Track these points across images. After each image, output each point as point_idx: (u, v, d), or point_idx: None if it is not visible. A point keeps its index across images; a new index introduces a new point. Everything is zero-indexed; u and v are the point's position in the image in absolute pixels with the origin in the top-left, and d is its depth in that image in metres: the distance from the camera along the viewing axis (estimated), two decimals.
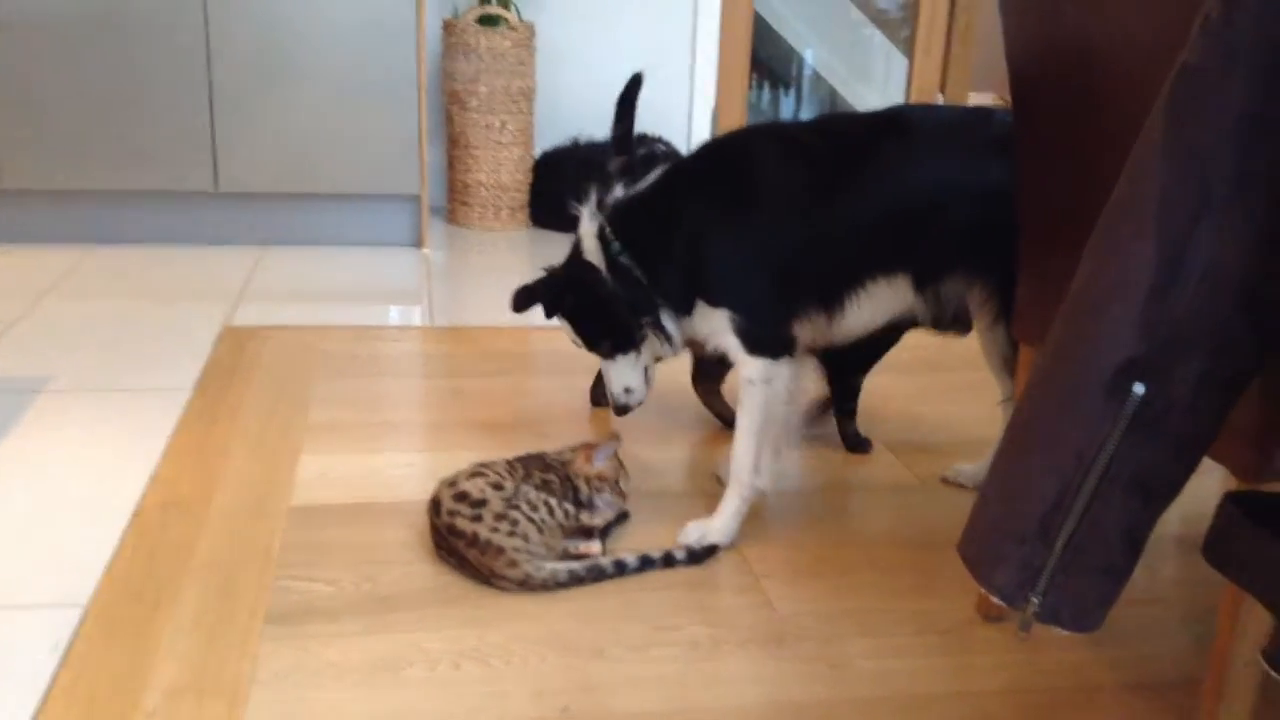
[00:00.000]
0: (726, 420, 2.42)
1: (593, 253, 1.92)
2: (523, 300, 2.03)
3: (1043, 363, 0.98)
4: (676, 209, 1.87)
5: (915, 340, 2.80)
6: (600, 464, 1.91)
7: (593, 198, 1.96)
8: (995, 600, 0.99)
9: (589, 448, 1.94)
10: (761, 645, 1.63)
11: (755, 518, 1.94)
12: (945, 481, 2.20)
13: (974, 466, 2.19)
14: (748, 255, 1.83)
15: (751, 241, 1.83)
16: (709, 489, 2.12)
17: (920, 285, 1.92)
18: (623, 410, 2.03)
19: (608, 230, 1.90)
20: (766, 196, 1.84)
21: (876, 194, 1.84)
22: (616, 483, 1.93)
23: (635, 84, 2.50)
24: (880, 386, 2.69)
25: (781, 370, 1.86)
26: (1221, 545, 0.94)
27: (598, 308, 1.94)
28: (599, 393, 2.50)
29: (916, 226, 1.86)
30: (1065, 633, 0.98)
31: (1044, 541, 0.96)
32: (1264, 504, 0.93)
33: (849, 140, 1.88)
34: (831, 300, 1.89)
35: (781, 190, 1.84)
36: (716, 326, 1.87)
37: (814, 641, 1.65)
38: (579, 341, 2.02)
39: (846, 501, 2.12)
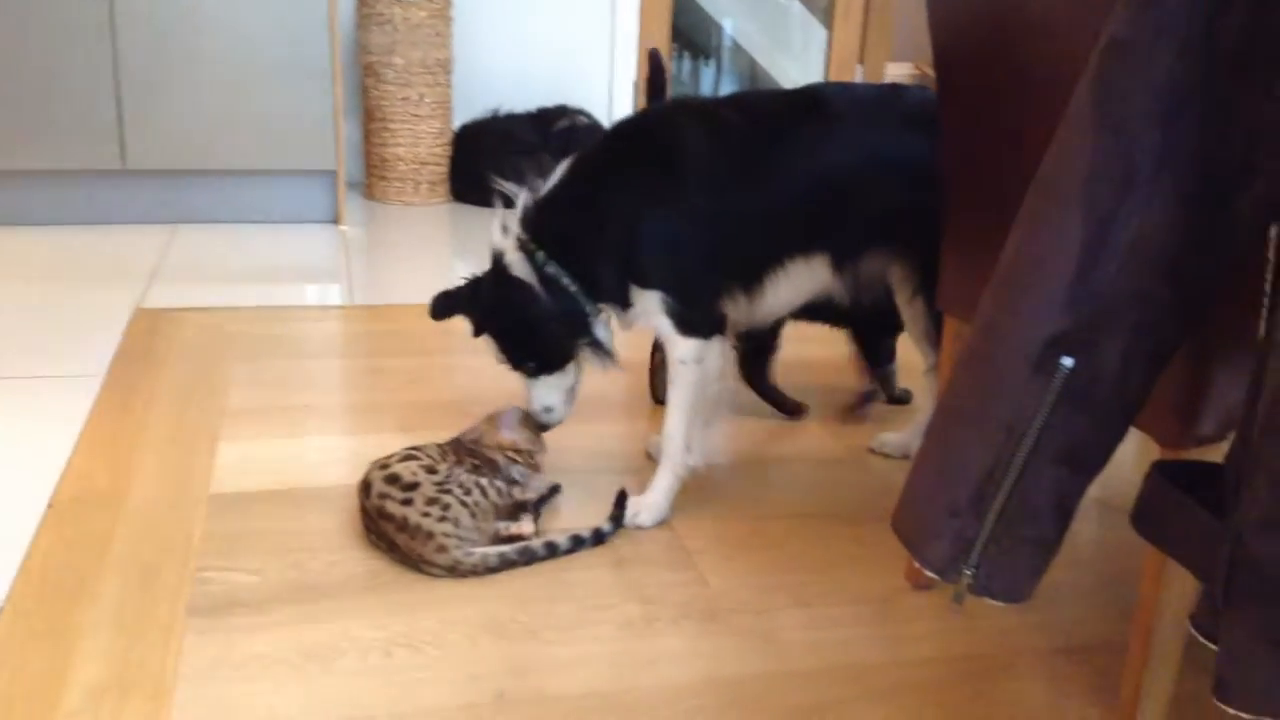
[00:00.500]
0: (783, 407, 2.41)
1: (517, 265, 1.85)
2: (442, 308, 1.95)
3: (972, 338, 0.98)
4: (598, 199, 1.84)
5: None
6: (508, 433, 1.90)
7: (512, 205, 1.88)
8: (929, 574, 1.00)
9: (494, 418, 1.92)
10: (695, 621, 1.63)
11: (687, 493, 1.94)
12: (872, 451, 2.22)
13: (899, 436, 2.21)
14: (676, 235, 1.81)
15: (679, 221, 1.81)
16: (640, 466, 2.12)
17: (839, 264, 1.92)
18: (540, 426, 1.97)
19: (528, 240, 1.84)
20: (691, 175, 1.81)
21: (796, 173, 1.83)
22: (531, 454, 1.91)
23: (657, 64, 2.44)
24: (801, 359, 2.70)
25: (713, 349, 1.85)
26: (1149, 514, 0.95)
27: (527, 327, 1.87)
28: (660, 386, 2.43)
29: (836, 205, 1.86)
30: (998, 604, 0.99)
31: (976, 515, 0.97)
32: (1189, 472, 0.94)
33: (768, 118, 1.87)
34: (751, 280, 1.88)
35: (705, 168, 1.81)
36: (649, 308, 1.85)
37: (747, 615, 1.65)
38: (503, 360, 1.94)
39: (777, 475, 2.12)
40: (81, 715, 1.37)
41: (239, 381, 2.44)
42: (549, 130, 4.24)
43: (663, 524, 1.89)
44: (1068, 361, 0.91)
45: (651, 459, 2.12)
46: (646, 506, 1.89)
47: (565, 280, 1.84)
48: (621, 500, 1.87)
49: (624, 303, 1.87)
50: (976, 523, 0.97)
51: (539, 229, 1.85)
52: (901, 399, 2.48)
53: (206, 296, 2.99)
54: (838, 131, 1.85)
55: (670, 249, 1.81)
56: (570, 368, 1.92)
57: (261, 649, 1.52)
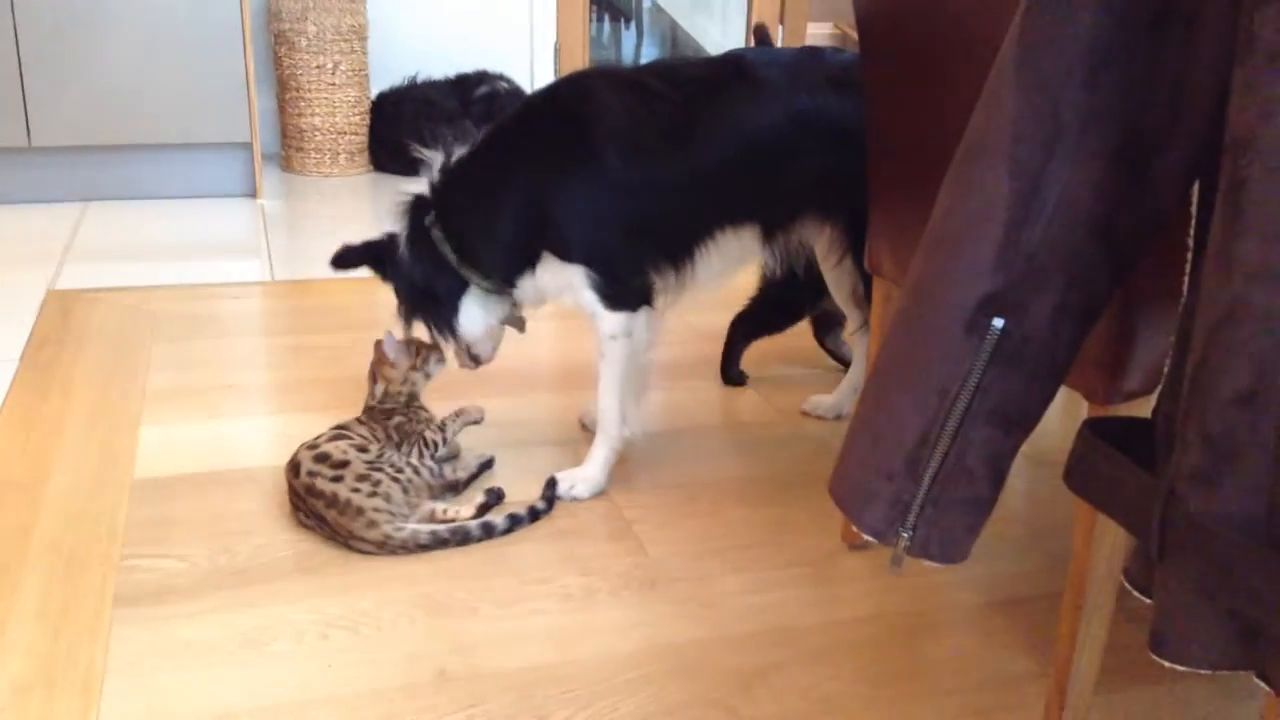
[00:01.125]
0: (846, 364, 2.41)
1: (404, 228, 1.90)
2: (348, 257, 1.94)
3: (903, 301, 0.98)
4: (504, 171, 1.81)
5: (752, 276, 2.82)
6: (393, 354, 1.90)
7: (438, 156, 1.88)
8: (867, 537, 1.00)
9: (377, 360, 1.92)
10: (635, 591, 1.63)
11: (623, 463, 1.94)
12: (805, 414, 2.23)
13: (831, 398, 2.23)
14: (596, 207, 1.78)
15: (598, 192, 1.77)
16: (575, 437, 2.11)
17: (769, 233, 1.91)
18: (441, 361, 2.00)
19: (429, 197, 1.86)
20: (609, 144, 1.77)
21: (721, 140, 1.80)
22: (430, 359, 1.93)
23: (763, 39, 2.38)
24: (723, 323, 2.70)
25: (640, 320, 1.84)
26: (1082, 471, 0.96)
27: (417, 288, 1.91)
28: (732, 368, 2.41)
29: (763, 172, 1.84)
30: (935, 565, 1.00)
31: (911, 477, 0.97)
32: (1120, 428, 0.95)
33: (689, 85, 1.84)
34: (680, 252, 1.86)
35: (624, 137, 1.77)
36: (572, 282, 1.82)
37: (686, 582, 1.65)
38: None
39: (711, 441, 2.13)
40: (6, 713, 1.33)
41: (159, 363, 2.38)
42: (470, 97, 4.17)
43: (600, 495, 1.88)
44: (998, 323, 0.91)
45: (587, 429, 2.11)
46: (583, 479, 1.88)
47: (445, 250, 1.85)
48: (552, 483, 1.85)
49: (514, 279, 1.86)
50: (912, 485, 0.97)
51: (440, 196, 1.85)
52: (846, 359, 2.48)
53: (121, 276, 2.91)
54: (761, 97, 1.83)
55: (591, 221, 1.79)
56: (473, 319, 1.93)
57: (193, 636, 1.49)
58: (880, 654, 1.50)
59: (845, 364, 2.42)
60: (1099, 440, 0.93)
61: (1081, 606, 1.25)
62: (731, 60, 1.88)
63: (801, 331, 2.66)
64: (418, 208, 1.87)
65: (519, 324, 2.00)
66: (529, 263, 1.83)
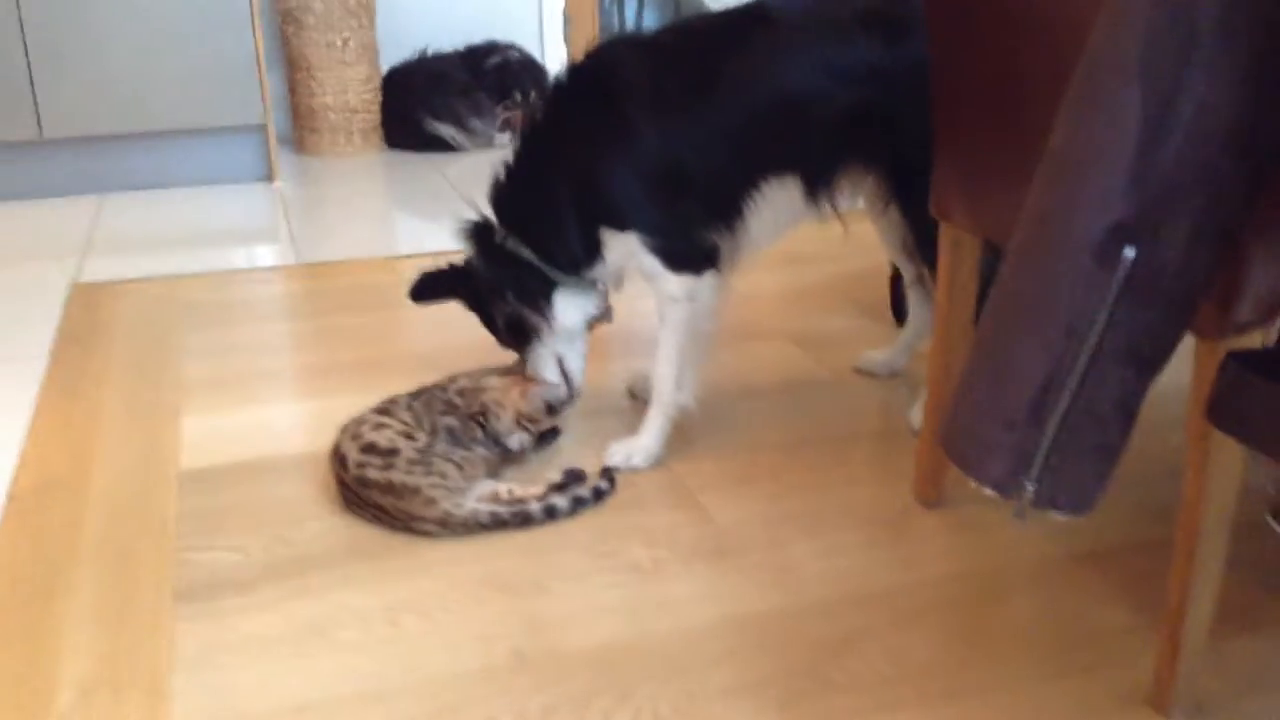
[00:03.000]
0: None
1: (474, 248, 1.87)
2: (425, 289, 1.91)
3: (1021, 236, 0.91)
4: (550, 161, 1.81)
5: (804, 232, 2.75)
6: (536, 403, 1.82)
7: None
8: (988, 492, 0.94)
9: (526, 381, 1.84)
10: (705, 560, 1.57)
11: (678, 432, 1.88)
12: (858, 371, 2.17)
13: (885, 353, 2.16)
14: (639, 172, 1.74)
15: (639, 157, 1.74)
16: (622, 405, 2.05)
17: (810, 185, 1.85)
18: (554, 413, 1.90)
19: (495, 221, 1.86)
20: (641, 108, 1.73)
21: (748, 91, 1.75)
22: (539, 429, 1.84)
23: None
24: (769, 282, 2.64)
25: (705, 285, 1.79)
26: (1230, 407, 0.90)
27: (493, 306, 1.88)
28: (901, 305, 2.29)
29: (794, 120, 1.77)
30: (1062, 517, 0.94)
31: (1036, 424, 0.91)
32: (1267, 360, 0.89)
33: (712, 37, 1.78)
34: (730, 209, 1.80)
35: (655, 99, 1.74)
36: (632, 249, 1.77)
37: (758, 550, 1.59)
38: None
39: (764, 404, 2.06)
40: (74, 716, 1.28)
41: (191, 352, 2.32)
42: (481, 68, 4.10)
43: (657, 465, 1.83)
44: (1130, 252, 0.85)
45: (636, 397, 2.05)
46: (640, 449, 1.82)
47: (525, 253, 1.82)
48: (605, 473, 1.78)
49: (591, 262, 1.82)
50: (1037, 433, 0.91)
51: (502, 207, 1.85)
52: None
53: (144, 266, 2.85)
54: (785, 44, 1.76)
55: (634, 186, 1.74)
56: (579, 337, 1.91)
57: (258, 629, 1.44)
58: (969, 613, 1.45)
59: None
60: (1250, 373, 0.87)
61: (1194, 554, 1.19)
62: (754, 9, 1.81)
63: (831, 287, 2.60)
64: (483, 228, 1.86)
65: (608, 314, 1.95)
66: (596, 243, 1.80)
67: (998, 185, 1.40)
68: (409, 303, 1.89)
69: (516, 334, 1.89)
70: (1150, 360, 0.90)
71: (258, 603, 1.50)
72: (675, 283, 1.77)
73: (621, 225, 1.76)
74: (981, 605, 1.46)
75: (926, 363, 2.06)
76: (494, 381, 1.84)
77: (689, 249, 1.77)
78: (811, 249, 2.84)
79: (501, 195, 1.85)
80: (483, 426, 1.79)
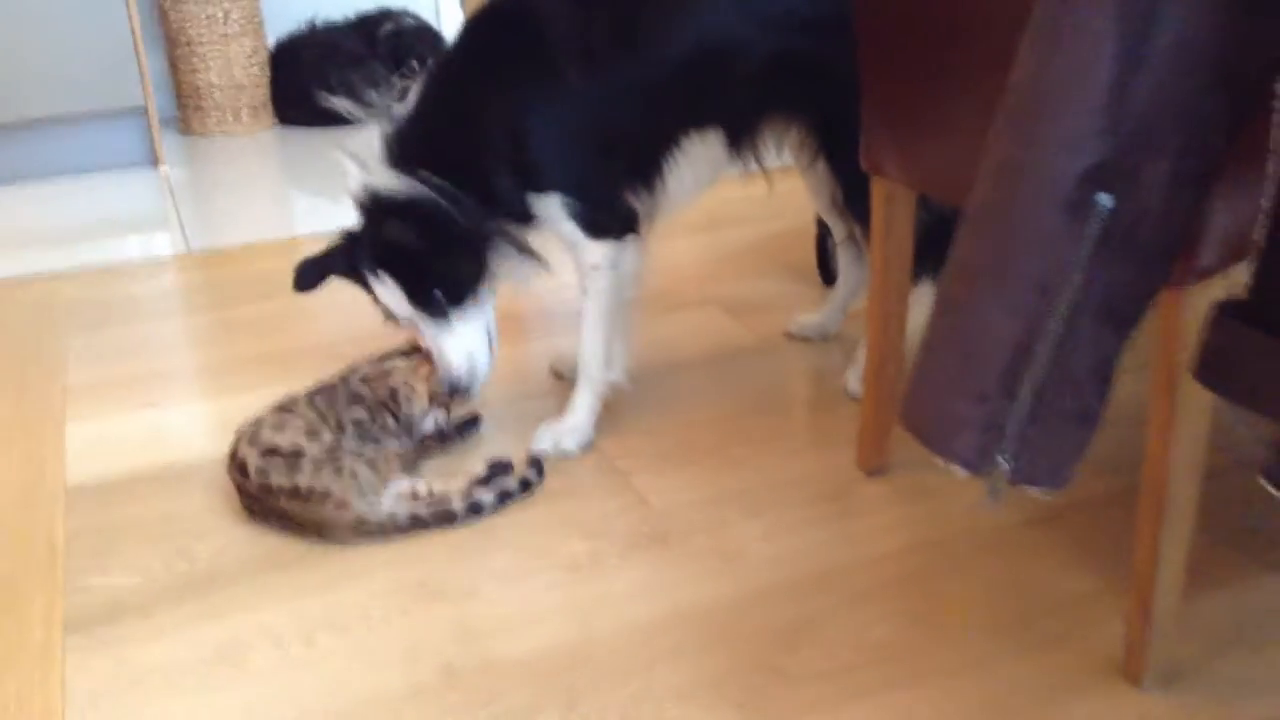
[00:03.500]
0: None
1: (403, 189, 1.60)
2: (311, 274, 1.70)
3: (983, 187, 0.82)
4: (470, 100, 1.62)
5: (726, 193, 2.65)
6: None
7: (372, 141, 1.65)
8: (957, 470, 0.85)
9: (425, 362, 1.70)
10: (645, 550, 1.48)
11: (606, 411, 1.77)
12: (790, 336, 2.08)
13: (817, 317, 2.08)
14: (562, 124, 1.62)
15: (561, 107, 1.61)
16: (546, 388, 1.93)
17: (734, 139, 1.75)
18: (456, 390, 1.68)
19: (394, 147, 1.62)
20: (562, 52, 1.61)
21: (668, 39, 1.65)
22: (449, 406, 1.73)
23: None
24: (690, 247, 2.54)
25: (627, 251, 1.69)
26: (1224, 365, 0.81)
27: (437, 248, 1.60)
28: (828, 265, 2.18)
29: (715, 69, 1.68)
30: (1039, 494, 0.85)
31: (1008, 394, 0.83)
32: (1261, 311, 0.81)
33: None
34: (649, 168, 1.70)
35: (582, 45, 1.61)
36: (551, 214, 1.65)
37: (699, 535, 1.50)
38: (402, 307, 1.66)
39: (695, 376, 1.97)
40: None
41: (77, 354, 2.15)
42: (374, 36, 3.91)
43: (588, 447, 1.72)
44: (1105, 199, 0.76)
45: (562, 377, 1.94)
46: (569, 430, 1.71)
47: (459, 193, 1.60)
48: (533, 461, 1.66)
49: (524, 213, 1.66)
50: (1009, 403, 0.83)
51: (409, 153, 1.61)
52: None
53: (23, 264, 2.66)
54: None
55: (559, 140, 1.62)
56: (486, 299, 1.70)
57: (160, 660, 1.31)
58: (927, 588, 1.37)
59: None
60: (1247, 328, 0.78)
61: (1162, 513, 1.12)
62: None
63: (755, 249, 2.51)
64: (379, 182, 1.62)
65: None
66: (523, 202, 1.66)
67: (931, 135, 1.32)
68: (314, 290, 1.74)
69: (447, 281, 1.65)
70: (1127, 318, 0.81)
71: (159, 629, 1.37)
72: (594, 249, 1.67)
73: (540, 185, 1.63)
74: (939, 579, 1.39)
75: (861, 323, 1.99)
76: (399, 363, 1.71)
77: (610, 214, 1.66)
78: (732, 210, 2.74)
79: (407, 140, 1.62)
80: (394, 414, 1.66)
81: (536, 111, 1.61)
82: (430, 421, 1.69)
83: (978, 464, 0.85)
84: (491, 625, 1.34)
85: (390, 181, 1.60)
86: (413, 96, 1.65)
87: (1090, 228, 0.77)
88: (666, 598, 1.37)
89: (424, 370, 1.69)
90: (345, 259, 1.67)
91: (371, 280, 1.64)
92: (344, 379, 1.70)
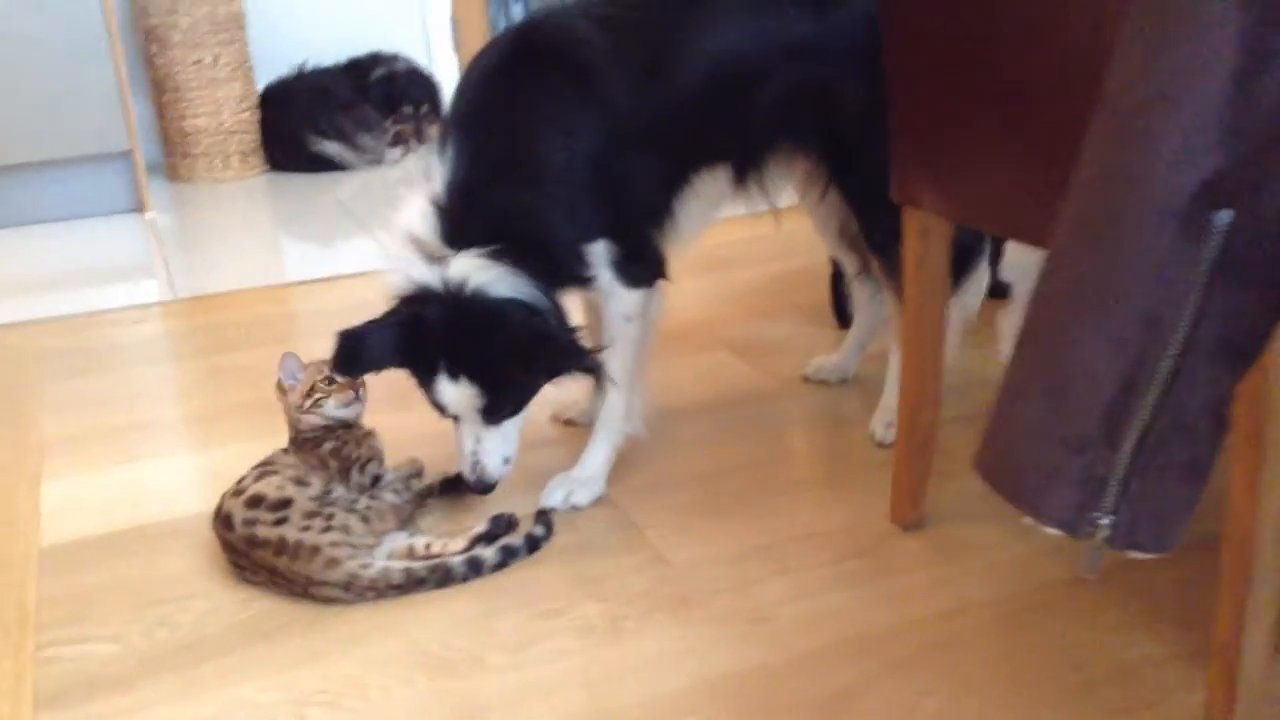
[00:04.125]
0: None
1: (497, 283, 1.42)
2: (356, 359, 1.46)
3: (1077, 204, 0.72)
4: (527, 156, 1.48)
5: (731, 233, 2.57)
6: (286, 378, 1.55)
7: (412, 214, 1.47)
8: (1049, 531, 0.74)
9: (280, 385, 1.56)
10: (668, 612, 1.36)
11: (618, 461, 1.66)
12: (807, 379, 1.98)
13: (834, 358, 1.98)
14: (609, 167, 1.50)
15: (608, 149, 1.49)
16: (550, 436, 1.82)
17: (741, 173, 1.66)
18: (485, 490, 1.52)
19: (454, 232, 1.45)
20: (610, 90, 1.50)
21: (687, 71, 1.56)
22: (337, 386, 1.54)
23: None
24: (700, 289, 2.44)
25: (655, 297, 1.61)
26: None
27: (529, 359, 1.46)
28: (843, 307, 2.09)
29: (737, 100, 1.59)
30: (1143, 557, 0.75)
31: (1109, 442, 0.72)
32: None
33: (649, 13, 1.57)
34: (663, 208, 1.60)
35: (617, 80, 1.51)
36: (592, 263, 1.54)
37: (725, 594, 1.39)
38: (467, 410, 1.48)
39: (709, 422, 1.86)
40: None
41: (54, 405, 2.04)
42: (366, 80, 3.84)
43: (600, 500, 1.61)
44: (1224, 216, 0.66)
45: (572, 424, 1.83)
46: (582, 483, 1.60)
47: (534, 286, 1.45)
48: (540, 516, 1.55)
49: (583, 274, 1.52)
50: (1110, 453, 0.72)
51: (471, 226, 1.44)
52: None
53: (2, 312, 2.54)
54: (720, 18, 1.57)
55: (609, 181, 1.51)
56: None
57: None
58: (977, 654, 1.26)
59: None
60: None
61: (1248, 575, 1.01)
62: None
63: (765, 290, 2.42)
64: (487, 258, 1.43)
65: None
66: (584, 260, 1.53)
67: (972, 162, 1.22)
68: (301, 336, 1.64)
69: (496, 409, 1.48)
70: (1245, 352, 0.71)
71: (137, 704, 1.25)
72: (630, 299, 1.58)
73: (593, 234, 1.52)
74: (988, 644, 1.28)
75: (880, 365, 1.89)
76: (286, 403, 1.58)
77: (644, 260, 1.57)
78: (730, 252, 2.65)
79: (462, 210, 1.45)
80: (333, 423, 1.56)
81: (585, 153, 1.49)
82: (330, 404, 1.54)
83: (1075, 524, 0.74)
84: (500, 698, 1.22)
85: (475, 273, 1.41)
86: (450, 157, 1.47)
87: (1206, 250, 0.67)
88: (691, 665, 1.26)
89: (281, 389, 1.56)
90: (407, 351, 1.45)
91: (441, 380, 1.45)
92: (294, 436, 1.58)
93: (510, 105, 1.50)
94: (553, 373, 1.48)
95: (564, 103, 1.49)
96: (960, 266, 1.98)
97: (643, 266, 1.57)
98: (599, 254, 1.53)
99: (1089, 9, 1.00)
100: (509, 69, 1.52)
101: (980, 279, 1.83)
